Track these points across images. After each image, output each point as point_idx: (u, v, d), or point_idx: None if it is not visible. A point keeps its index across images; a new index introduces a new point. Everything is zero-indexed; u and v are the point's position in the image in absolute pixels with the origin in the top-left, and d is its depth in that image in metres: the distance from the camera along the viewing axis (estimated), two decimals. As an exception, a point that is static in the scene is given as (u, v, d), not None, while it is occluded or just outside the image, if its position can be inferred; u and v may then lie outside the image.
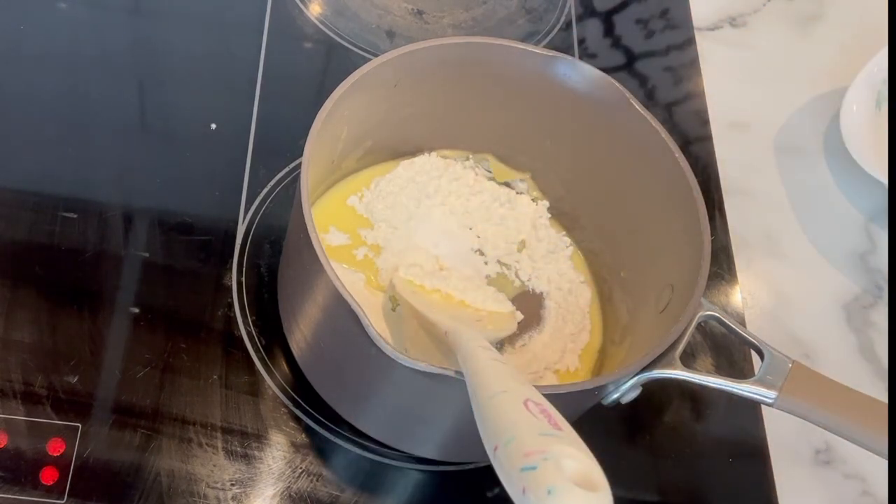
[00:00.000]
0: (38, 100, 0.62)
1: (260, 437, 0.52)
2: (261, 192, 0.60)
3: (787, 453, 0.58)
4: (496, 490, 0.53)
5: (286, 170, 0.61)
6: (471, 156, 0.59)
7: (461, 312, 0.50)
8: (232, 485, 0.50)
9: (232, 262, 0.57)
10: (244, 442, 0.51)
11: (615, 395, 0.46)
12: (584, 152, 0.55)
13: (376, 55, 0.50)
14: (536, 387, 0.35)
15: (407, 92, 0.52)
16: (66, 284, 0.54)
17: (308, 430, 0.52)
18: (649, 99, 0.73)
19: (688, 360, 0.49)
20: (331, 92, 0.46)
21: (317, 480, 0.51)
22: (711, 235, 0.46)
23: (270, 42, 0.68)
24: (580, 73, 0.51)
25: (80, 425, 0.50)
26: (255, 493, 0.50)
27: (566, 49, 0.73)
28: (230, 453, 0.51)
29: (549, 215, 0.59)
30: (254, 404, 0.52)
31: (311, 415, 0.53)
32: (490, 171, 0.59)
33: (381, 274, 0.54)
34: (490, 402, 0.34)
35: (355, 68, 0.48)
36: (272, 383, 0.53)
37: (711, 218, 0.55)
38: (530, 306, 0.56)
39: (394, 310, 0.52)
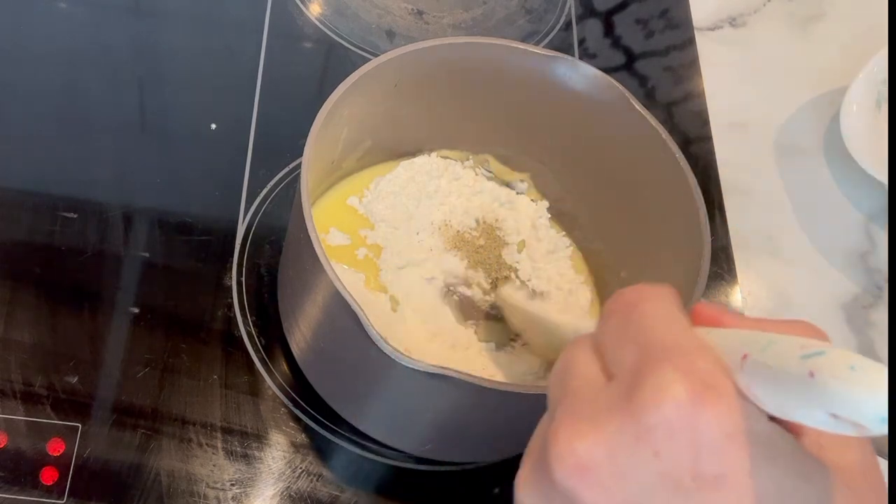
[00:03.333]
0: (37, 99, 0.62)
1: (260, 437, 0.52)
2: (261, 192, 0.60)
3: (787, 453, 0.57)
4: (496, 490, 0.53)
5: (286, 170, 0.61)
6: (471, 156, 0.59)
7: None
8: (232, 485, 0.50)
9: (232, 262, 0.57)
10: (244, 442, 0.51)
11: (615, 396, 0.46)
12: (584, 152, 0.55)
13: (376, 55, 0.50)
14: (536, 387, 0.35)
15: (407, 92, 0.52)
16: (66, 284, 0.54)
17: (308, 430, 0.52)
18: (649, 99, 0.73)
19: (688, 360, 0.49)
20: (331, 92, 0.46)
21: (317, 480, 0.51)
22: (711, 235, 0.46)
23: (270, 42, 0.68)
24: (580, 73, 0.51)
25: (80, 425, 0.50)
26: (254, 493, 0.50)
27: (566, 49, 0.73)
28: (230, 453, 0.51)
29: (549, 215, 0.59)
30: (254, 404, 0.52)
31: (311, 415, 0.53)
32: (490, 172, 0.59)
33: (381, 274, 0.54)
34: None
35: (355, 68, 0.47)
36: (272, 383, 0.53)
37: (711, 218, 0.55)
38: (530, 306, 0.56)
39: (394, 310, 0.52)
